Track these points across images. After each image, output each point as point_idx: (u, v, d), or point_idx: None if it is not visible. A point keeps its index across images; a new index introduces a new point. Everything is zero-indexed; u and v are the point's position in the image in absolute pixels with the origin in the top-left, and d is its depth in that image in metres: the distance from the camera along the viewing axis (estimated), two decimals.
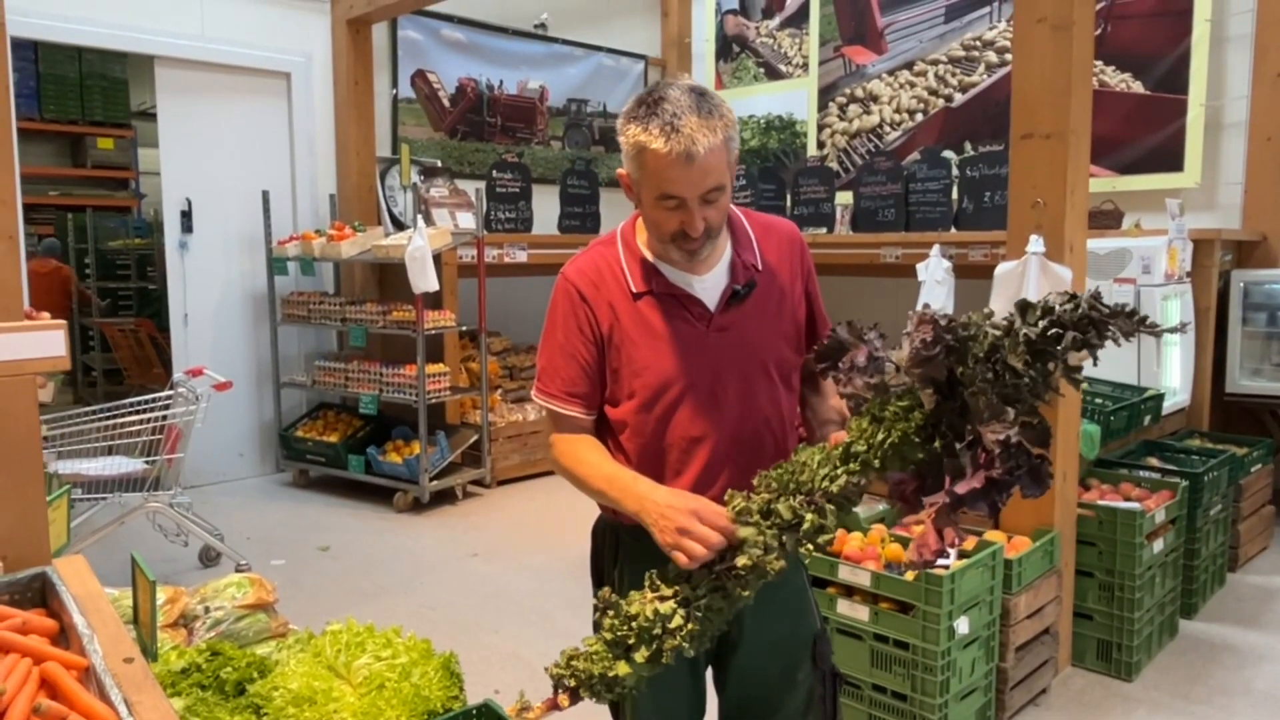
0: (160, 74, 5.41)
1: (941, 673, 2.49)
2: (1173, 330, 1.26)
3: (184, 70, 5.46)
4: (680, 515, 1.35)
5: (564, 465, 1.57)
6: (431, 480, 5.13)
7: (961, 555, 2.68)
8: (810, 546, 1.35)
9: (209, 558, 4.24)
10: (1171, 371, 4.34)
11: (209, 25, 5.47)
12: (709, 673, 1.69)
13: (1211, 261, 4.53)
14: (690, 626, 1.34)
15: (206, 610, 2.04)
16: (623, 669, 1.36)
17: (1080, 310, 1.18)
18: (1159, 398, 4.00)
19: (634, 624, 1.36)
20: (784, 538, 1.34)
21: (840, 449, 1.34)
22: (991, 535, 2.90)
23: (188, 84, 5.50)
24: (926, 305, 1.32)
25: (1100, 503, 3.21)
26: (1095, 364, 1.26)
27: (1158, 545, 3.22)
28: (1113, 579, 3.12)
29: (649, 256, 1.55)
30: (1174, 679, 3.11)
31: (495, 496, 5.48)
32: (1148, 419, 3.95)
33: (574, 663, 1.41)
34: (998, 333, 1.21)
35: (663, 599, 1.36)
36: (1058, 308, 1.19)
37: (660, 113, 1.37)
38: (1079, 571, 3.17)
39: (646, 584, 1.41)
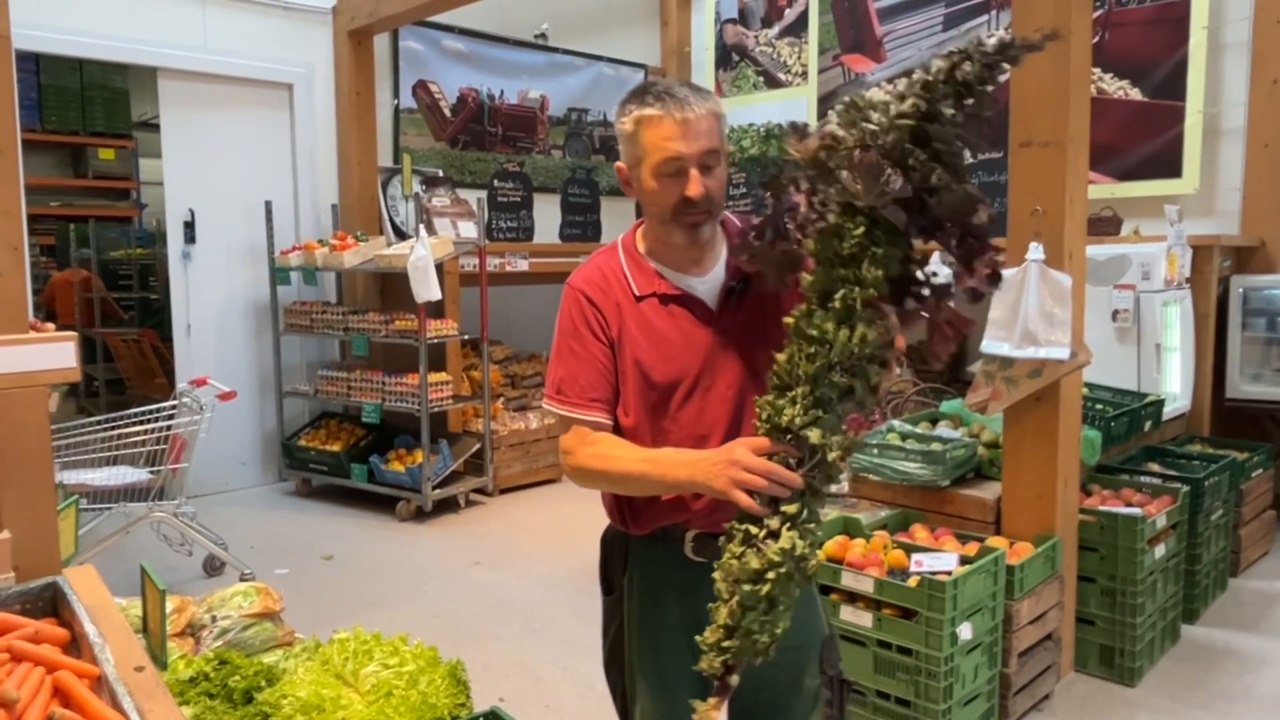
0: (163, 85, 5.44)
1: (945, 679, 2.50)
2: (1040, 44, 1.30)
3: (187, 82, 5.49)
4: (725, 464, 1.33)
5: (592, 468, 1.53)
6: (434, 489, 5.14)
7: (964, 561, 2.69)
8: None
9: (213, 567, 4.25)
10: (1172, 377, 4.35)
11: (211, 37, 5.50)
12: None
13: (1210, 267, 4.55)
14: (809, 542, 1.31)
15: (213, 619, 2.05)
16: (783, 624, 1.33)
17: (976, 65, 1.25)
18: (1159, 404, 4.01)
19: (768, 575, 1.29)
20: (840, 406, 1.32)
21: (839, 304, 1.31)
22: (993, 541, 2.91)
23: (190, 95, 5.52)
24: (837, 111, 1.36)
25: (1102, 508, 3.22)
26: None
27: (1159, 550, 3.23)
28: (1115, 584, 3.13)
29: (650, 262, 1.58)
30: (1176, 684, 3.12)
31: (498, 505, 5.49)
32: (1148, 425, 3.97)
33: (724, 644, 1.34)
34: (911, 123, 1.25)
35: (774, 534, 1.31)
36: (958, 70, 1.25)
37: (653, 89, 1.48)
38: (1081, 577, 3.18)
39: (731, 547, 1.35)
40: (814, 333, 1.31)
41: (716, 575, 1.35)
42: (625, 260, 1.59)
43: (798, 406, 1.31)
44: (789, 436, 1.33)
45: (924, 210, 1.28)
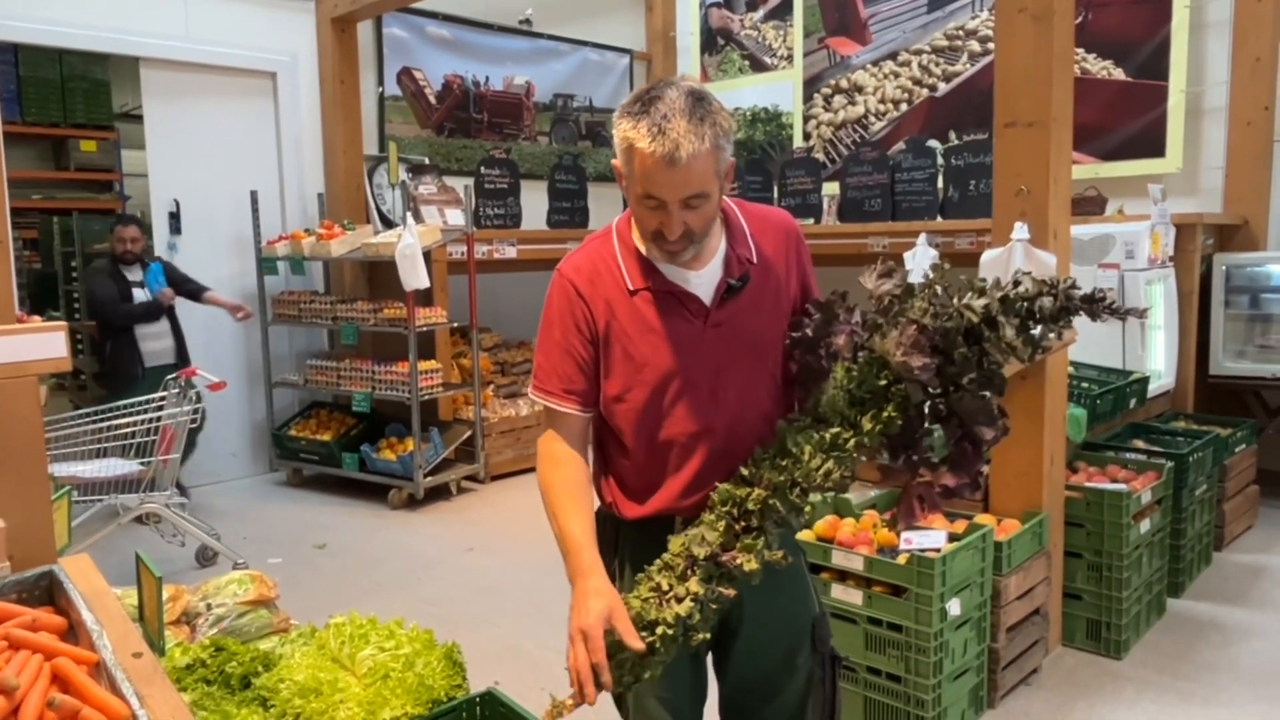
0: (145, 75, 5.40)
1: (934, 654, 2.53)
2: (1134, 314, 1.39)
3: (169, 71, 5.45)
4: (576, 630, 1.38)
5: (541, 482, 1.59)
6: (426, 477, 5.15)
7: (952, 538, 2.72)
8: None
9: (206, 557, 4.25)
10: (1156, 355, 4.39)
11: (193, 26, 5.45)
12: (710, 657, 1.71)
13: (1194, 246, 4.58)
14: (705, 616, 1.40)
15: (209, 607, 2.06)
16: (656, 671, 1.42)
17: (1059, 302, 1.31)
18: (1144, 381, 4.05)
19: (658, 631, 1.39)
20: (782, 522, 1.41)
21: (827, 437, 1.39)
22: (981, 518, 2.94)
23: (173, 85, 5.48)
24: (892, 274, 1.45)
25: (1088, 484, 3.26)
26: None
27: (1144, 526, 3.27)
28: (1101, 559, 3.17)
29: (644, 252, 1.55)
30: (1162, 657, 3.17)
31: (489, 492, 5.51)
32: (1133, 402, 4.00)
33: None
34: (976, 318, 1.33)
35: (679, 599, 1.39)
36: (1038, 300, 1.32)
37: (651, 112, 1.37)
38: (1068, 553, 3.22)
39: (646, 582, 1.43)
40: (792, 447, 1.43)
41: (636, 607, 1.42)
42: (619, 249, 1.56)
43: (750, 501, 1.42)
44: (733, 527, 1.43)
45: (945, 397, 1.38)
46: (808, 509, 1.42)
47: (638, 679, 1.41)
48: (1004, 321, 1.30)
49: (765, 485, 1.41)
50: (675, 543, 1.45)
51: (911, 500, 1.44)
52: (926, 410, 1.40)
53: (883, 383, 1.38)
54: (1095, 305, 1.31)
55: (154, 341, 5.09)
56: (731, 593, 1.41)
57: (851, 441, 1.39)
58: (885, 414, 1.37)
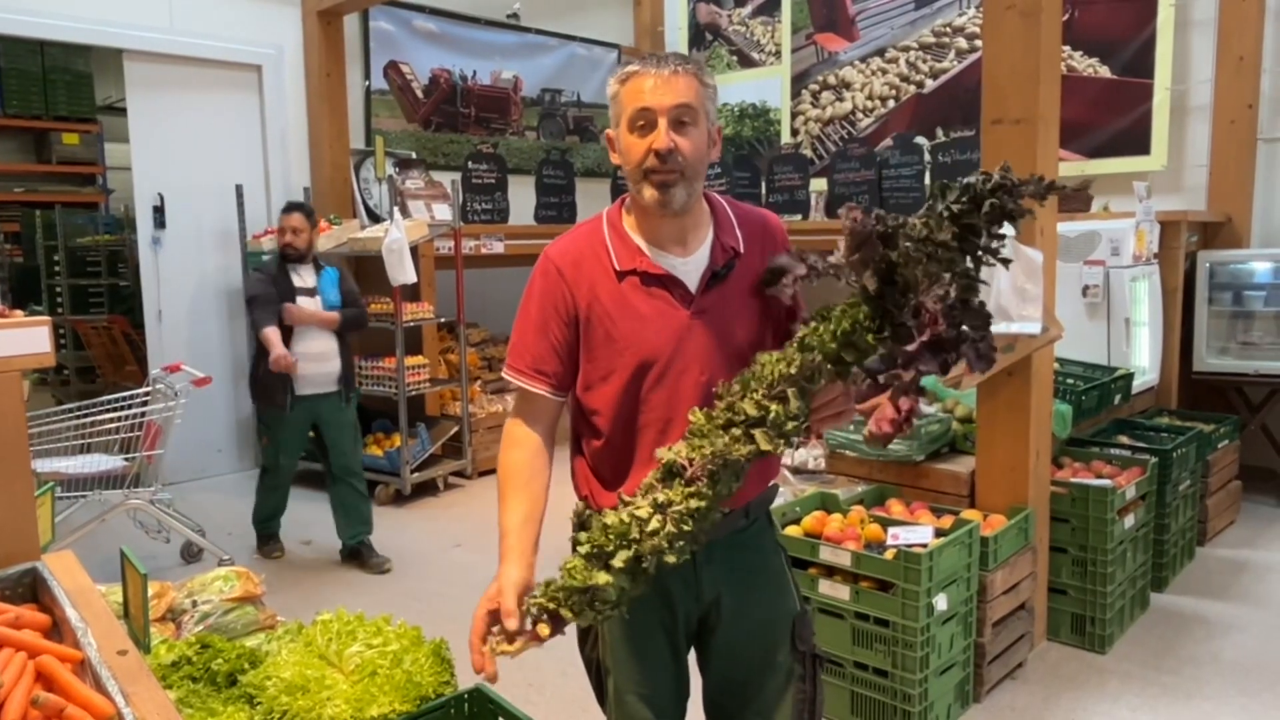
0: (129, 68, 5.35)
1: (921, 649, 2.55)
2: (1078, 189, 1.39)
3: (153, 64, 5.40)
4: (489, 592, 1.47)
5: (500, 467, 1.60)
6: (413, 472, 5.13)
7: (939, 533, 2.74)
8: (780, 442, 1.36)
9: (191, 554, 4.23)
10: (1141, 351, 4.42)
11: (177, 18, 5.40)
12: (692, 654, 1.72)
13: (1178, 243, 4.62)
14: (669, 528, 1.34)
15: (194, 604, 2.05)
16: (602, 577, 1.34)
17: (992, 181, 1.28)
18: (1129, 377, 4.08)
19: (610, 533, 1.35)
20: (753, 431, 1.35)
21: (794, 344, 1.37)
22: (968, 514, 2.96)
23: (157, 78, 5.43)
24: (850, 203, 1.42)
25: (1073, 480, 3.28)
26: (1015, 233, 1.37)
27: (1129, 521, 3.30)
28: (1086, 554, 3.20)
29: (634, 237, 1.55)
30: (1146, 651, 3.19)
31: (477, 487, 5.49)
32: (1118, 398, 4.03)
33: (550, 588, 1.40)
34: (921, 220, 1.32)
35: (638, 506, 1.36)
36: (976, 182, 1.29)
37: (645, 56, 1.52)
38: (1053, 548, 3.24)
39: (618, 499, 1.41)
40: (761, 358, 1.39)
41: (594, 515, 1.42)
42: (609, 232, 1.57)
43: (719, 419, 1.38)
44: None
45: (905, 293, 1.32)
46: (774, 408, 1.33)
47: (598, 611, 1.37)
48: (943, 208, 1.30)
49: (732, 394, 1.37)
50: (651, 474, 1.40)
51: (884, 405, 1.38)
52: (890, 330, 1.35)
53: (842, 304, 1.36)
54: (1026, 184, 1.29)
55: (312, 364, 4.03)
56: (696, 504, 1.34)
57: (814, 338, 1.35)
58: (850, 313, 1.34)
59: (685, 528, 1.34)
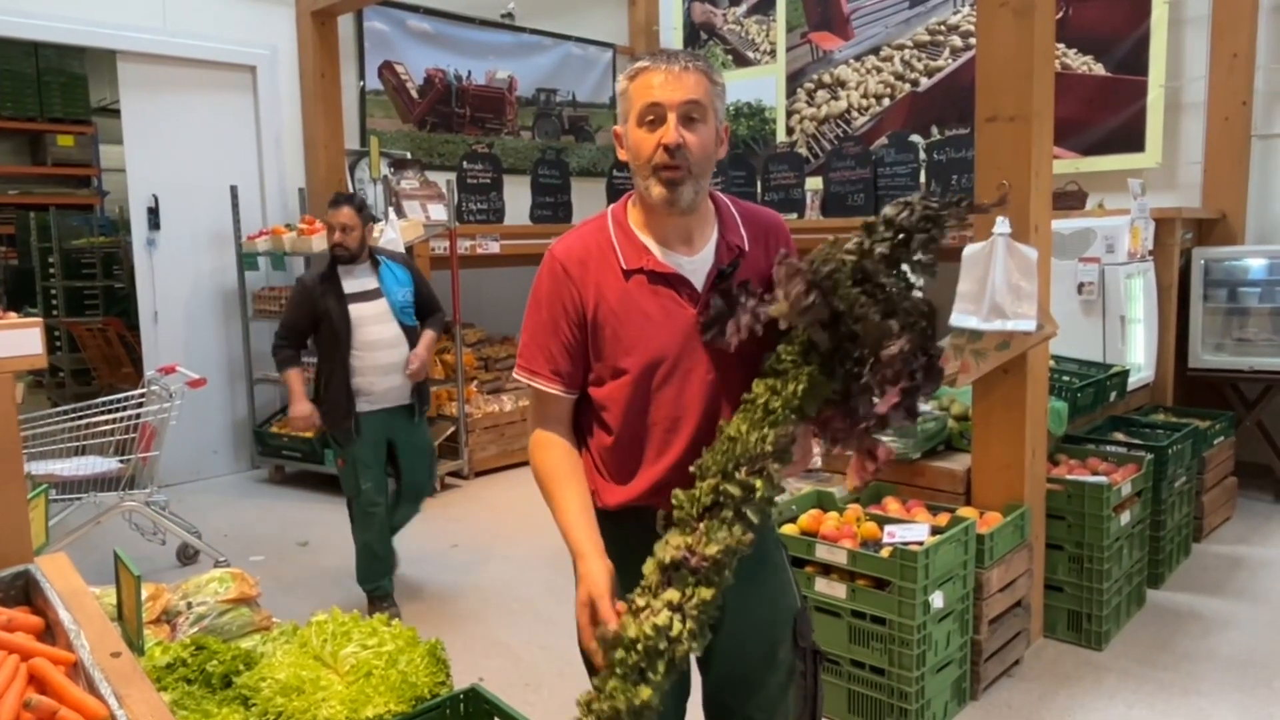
0: (123, 69, 5.34)
1: (918, 646, 2.55)
2: (995, 205, 1.55)
3: (147, 65, 5.39)
4: (581, 603, 1.45)
5: (537, 472, 1.59)
6: None
7: (935, 531, 2.74)
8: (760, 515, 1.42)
9: (187, 555, 4.22)
10: (1136, 348, 4.43)
11: (171, 19, 5.40)
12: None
13: (1173, 240, 4.62)
14: (689, 626, 1.36)
15: (189, 606, 2.04)
16: (645, 692, 1.34)
17: (916, 214, 1.35)
18: (1124, 374, 4.09)
19: (639, 647, 1.36)
20: (744, 510, 1.39)
21: (759, 410, 1.41)
22: (963, 511, 2.96)
23: (152, 79, 5.42)
24: (785, 254, 1.49)
25: (1069, 477, 3.28)
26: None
27: (1125, 517, 3.30)
28: (1082, 551, 3.20)
29: (640, 235, 1.56)
30: (1142, 647, 3.20)
31: (473, 488, 5.49)
32: (1113, 395, 4.04)
33: (594, 706, 1.38)
34: (853, 258, 1.38)
35: (655, 611, 1.37)
36: (898, 218, 1.36)
37: (654, 53, 1.54)
38: (1049, 545, 3.24)
39: (627, 604, 1.42)
40: (731, 432, 1.43)
41: (617, 634, 1.40)
42: (615, 231, 1.58)
43: (697, 505, 1.42)
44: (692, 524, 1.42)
45: (855, 340, 1.40)
46: (759, 485, 1.39)
47: (630, 704, 1.35)
48: (875, 247, 1.36)
49: (713, 475, 1.42)
50: (649, 566, 1.43)
51: (859, 456, 1.47)
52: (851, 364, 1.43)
53: (795, 348, 1.43)
54: (949, 210, 1.36)
55: (379, 377, 3.47)
56: (709, 594, 1.38)
57: (778, 403, 1.40)
58: (805, 371, 1.40)
59: (704, 617, 1.38)
